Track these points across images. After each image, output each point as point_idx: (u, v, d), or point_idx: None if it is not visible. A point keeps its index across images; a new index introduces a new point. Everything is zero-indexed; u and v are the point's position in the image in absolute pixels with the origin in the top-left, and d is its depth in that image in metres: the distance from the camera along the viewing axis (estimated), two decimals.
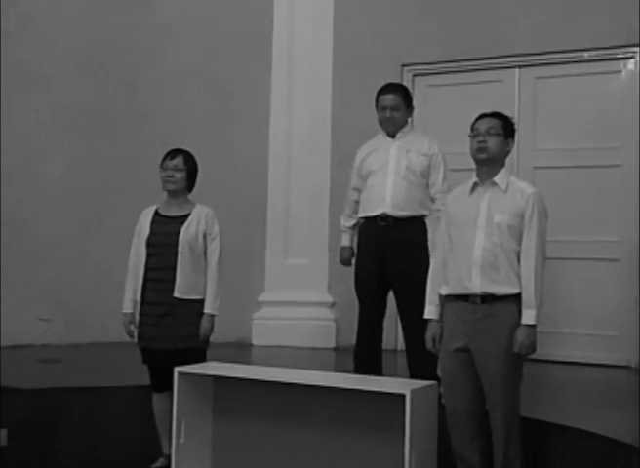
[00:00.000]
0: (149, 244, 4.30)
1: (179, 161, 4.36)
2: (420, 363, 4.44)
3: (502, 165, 3.65)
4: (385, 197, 4.58)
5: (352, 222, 4.88)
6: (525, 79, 6.15)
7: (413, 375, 4.47)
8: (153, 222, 4.36)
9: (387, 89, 4.76)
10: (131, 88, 6.86)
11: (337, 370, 5.15)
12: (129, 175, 6.70)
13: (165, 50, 6.92)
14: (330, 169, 6.57)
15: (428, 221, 4.71)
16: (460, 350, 3.58)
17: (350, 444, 3.84)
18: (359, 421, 3.81)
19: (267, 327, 6.72)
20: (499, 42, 6.12)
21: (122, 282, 4.42)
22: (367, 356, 4.68)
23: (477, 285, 3.52)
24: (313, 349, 6.45)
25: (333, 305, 6.62)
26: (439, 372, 3.87)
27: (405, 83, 6.19)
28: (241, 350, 6.37)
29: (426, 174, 4.65)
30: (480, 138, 3.60)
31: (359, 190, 4.79)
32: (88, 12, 6.79)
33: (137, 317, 4.34)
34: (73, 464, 4.70)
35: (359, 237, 4.80)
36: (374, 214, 4.63)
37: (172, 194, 4.39)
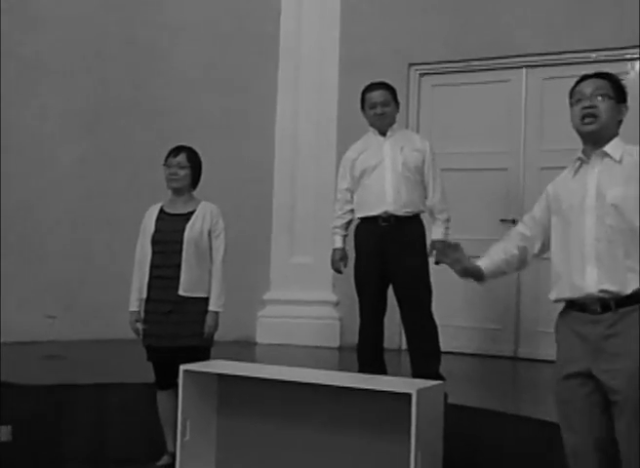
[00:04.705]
0: (154, 241, 4.29)
1: (182, 158, 4.34)
2: (423, 361, 4.45)
3: (615, 135, 3.05)
4: (385, 195, 4.57)
5: (344, 221, 4.81)
6: (532, 79, 6.14)
7: (415, 373, 4.46)
8: (158, 220, 4.35)
9: (373, 86, 4.73)
10: (138, 85, 6.87)
11: (341, 369, 5.14)
12: (136, 172, 6.70)
13: (172, 47, 6.93)
14: (335, 167, 6.46)
15: (425, 219, 4.71)
16: (579, 375, 2.84)
17: (355, 443, 3.83)
18: (364, 420, 3.80)
19: (272, 325, 6.73)
20: (506, 42, 6.11)
21: (128, 279, 4.43)
22: (370, 354, 4.68)
23: (593, 283, 2.79)
24: (318, 348, 6.46)
25: (337, 304, 6.62)
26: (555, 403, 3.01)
27: (412, 82, 6.19)
28: (245, 348, 6.38)
29: (421, 169, 4.64)
30: (586, 103, 2.96)
31: (351, 191, 4.76)
32: (96, 8, 6.80)
33: (142, 314, 4.34)
34: (78, 461, 4.70)
35: (357, 238, 4.74)
36: (374, 213, 4.60)
37: (176, 192, 4.38)
